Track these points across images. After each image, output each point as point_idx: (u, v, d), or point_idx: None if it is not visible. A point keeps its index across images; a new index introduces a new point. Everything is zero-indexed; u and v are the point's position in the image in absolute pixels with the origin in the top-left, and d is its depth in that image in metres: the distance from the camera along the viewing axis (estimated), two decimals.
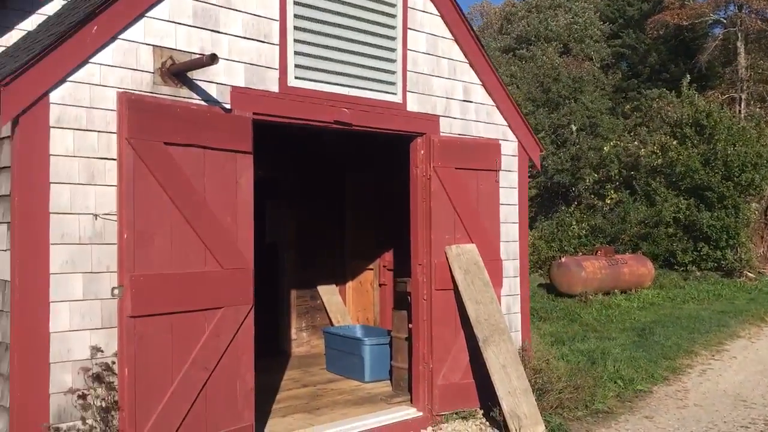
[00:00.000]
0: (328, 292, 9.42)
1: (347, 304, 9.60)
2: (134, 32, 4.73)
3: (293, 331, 9.16)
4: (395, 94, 6.26)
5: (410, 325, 6.61)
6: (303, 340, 9.24)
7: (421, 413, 6.37)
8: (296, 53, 5.57)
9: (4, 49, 6.59)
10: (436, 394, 6.35)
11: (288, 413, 6.32)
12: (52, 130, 4.38)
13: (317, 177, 9.36)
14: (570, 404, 6.71)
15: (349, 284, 9.65)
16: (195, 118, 4.86)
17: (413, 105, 6.40)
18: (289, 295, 9.15)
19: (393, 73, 6.25)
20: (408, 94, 6.35)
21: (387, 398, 6.81)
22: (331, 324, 9.17)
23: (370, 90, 6.09)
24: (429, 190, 6.41)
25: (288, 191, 9.19)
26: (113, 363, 4.51)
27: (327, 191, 9.47)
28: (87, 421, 4.42)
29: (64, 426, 4.35)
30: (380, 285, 9.19)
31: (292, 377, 7.80)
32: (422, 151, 6.47)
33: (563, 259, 15.66)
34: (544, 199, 26.00)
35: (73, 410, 4.41)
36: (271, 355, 8.50)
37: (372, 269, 9.34)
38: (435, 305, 6.40)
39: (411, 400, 6.60)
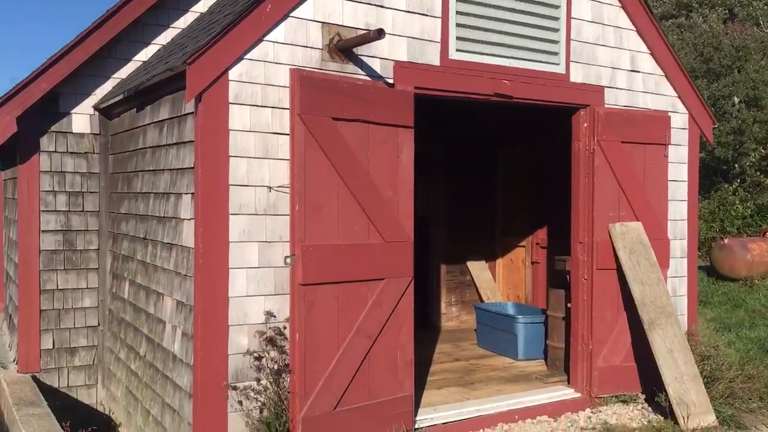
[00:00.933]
0: (477, 268, 9.38)
1: (497, 280, 9.51)
2: (304, 9, 4.86)
3: (443, 305, 9.22)
4: (558, 64, 6.04)
5: (569, 305, 6.42)
6: (452, 315, 9.27)
7: (579, 394, 6.19)
8: (458, 25, 5.51)
9: (180, 30, 7.05)
10: (596, 375, 6.14)
11: (443, 386, 6.37)
12: (230, 106, 4.62)
13: (468, 151, 9.29)
14: (742, 395, 6.25)
15: (500, 261, 9.55)
16: (360, 94, 4.94)
17: (577, 76, 6.14)
18: (439, 269, 9.20)
19: (556, 42, 6.02)
20: (571, 64, 6.11)
21: (542, 377, 6.69)
22: (481, 300, 9.13)
23: (532, 61, 5.91)
24: (592, 165, 6.16)
25: (439, 166, 9.18)
26: (284, 328, 4.73)
27: (477, 166, 9.39)
28: (261, 382, 4.67)
29: (240, 385, 4.63)
30: (532, 263, 9.01)
31: (444, 351, 7.85)
32: (585, 124, 6.21)
33: (726, 241, 14.60)
34: (702, 176, 24.32)
35: (249, 371, 4.68)
36: (421, 328, 8.54)
37: (524, 246, 9.18)
38: (596, 285, 6.16)
39: (568, 381, 6.44)
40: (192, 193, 4.73)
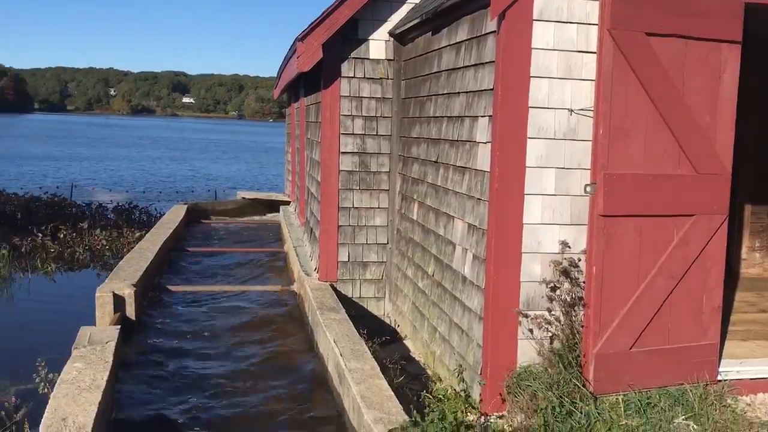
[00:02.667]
0: None
1: None
2: None
3: (744, 249, 8.22)
4: None
5: None
6: (755, 261, 8.24)
7: None
8: None
9: None
10: None
11: (748, 338, 5.68)
12: (534, 23, 4.39)
13: None
14: None
15: None
16: (679, 4, 4.37)
17: None
18: (742, 210, 8.17)
19: None
20: None
21: None
22: None
23: None
24: None
25: (748, 89, 7.96)
26: (579, 260, 4.51)
27: None
28: (553, 312, 4.54)
29: (531, 313, 4.54)
30: None
31: (746, 300, 7.02)
32: None
33: None
34: None
35: (540, 300, 4.57)
36: None
37: None
38: None
39: None
40: (489, 116, 4.64)
